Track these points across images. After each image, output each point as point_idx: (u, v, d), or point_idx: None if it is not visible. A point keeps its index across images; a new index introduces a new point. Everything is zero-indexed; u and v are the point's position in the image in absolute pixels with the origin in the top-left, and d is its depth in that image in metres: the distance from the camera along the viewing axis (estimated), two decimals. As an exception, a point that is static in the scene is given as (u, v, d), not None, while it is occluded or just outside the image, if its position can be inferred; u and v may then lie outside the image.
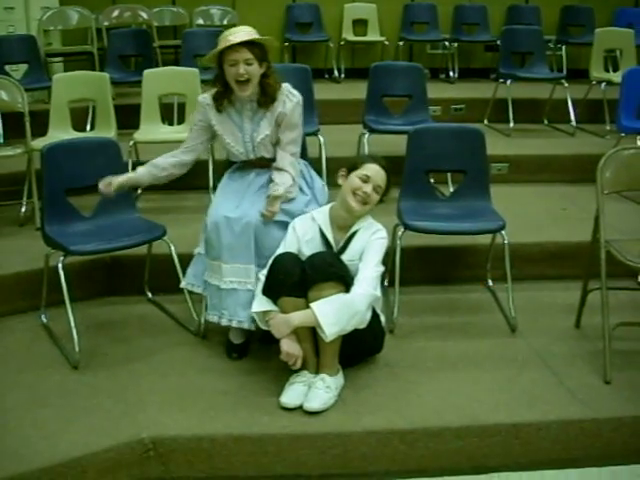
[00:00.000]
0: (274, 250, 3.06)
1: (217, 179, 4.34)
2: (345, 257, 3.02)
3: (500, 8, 7.87)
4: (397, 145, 4.56)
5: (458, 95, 6.53)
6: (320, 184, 3.46)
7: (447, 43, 7.63)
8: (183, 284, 3.39)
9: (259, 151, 3.32)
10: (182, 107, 4.99)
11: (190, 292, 3.41)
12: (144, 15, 7.17)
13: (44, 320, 3.54)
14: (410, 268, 3.65)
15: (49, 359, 3.24)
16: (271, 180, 3.28)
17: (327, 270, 2.86)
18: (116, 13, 7.12)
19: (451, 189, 4.49)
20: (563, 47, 7.51)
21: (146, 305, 3.76)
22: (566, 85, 5.95)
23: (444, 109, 6.15)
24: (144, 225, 3.46)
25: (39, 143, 4.20)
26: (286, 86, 3.31)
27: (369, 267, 2.97)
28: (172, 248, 3.42)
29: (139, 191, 4.70)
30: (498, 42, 7.00)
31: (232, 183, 3.38)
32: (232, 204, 3.21)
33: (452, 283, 3.97)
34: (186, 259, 3.44)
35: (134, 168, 4.49)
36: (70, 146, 3.56)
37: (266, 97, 3.26)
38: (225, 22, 7.59)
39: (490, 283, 3.92)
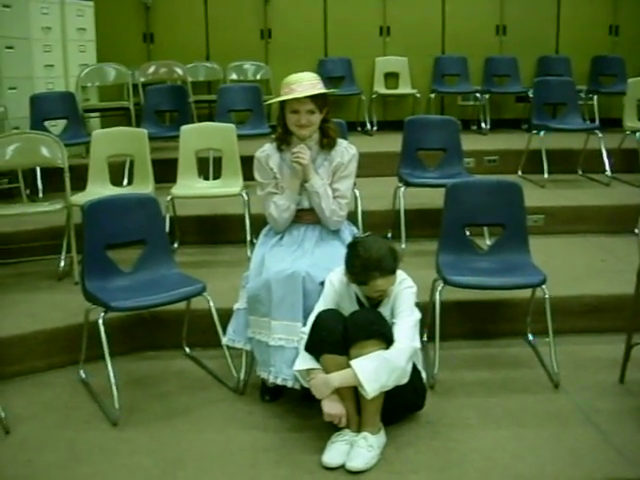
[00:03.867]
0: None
1: (253, 233, 4.39)
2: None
3: (530, 59, 7.94)
4: (432, 198, 4.58)
5: (491, 147, 6.52)
6: None
7: (478, 95, 7.69)
8: (224, 340, 3.37)
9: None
10: (218, 162, 5.05)
11: (229, 347, 3.39)
12: (179, 71, 7.30)
13: (83, 375, 3.54)
14: (448, 322, 3.60)
15: (88, 415, 3.23)
16: (323, 236, 3.34)
17: (369, 328, 2.85)
18: (152, 69, 7.27)
19: (487, 241, 4.47)
20: (595, 97, 7.51)
21: (184, 360, 3.75)
22: (600, 135, 5.92)
23: (477, 161, 6.16)
24: (184, 281, 3.45)
25: (78, 198, 4.27)
26: (344, 141, 3.44)
27: (404, 319, 2.95)
28: (211, 304, 3.40)
29: (175, 245, 4.75)
30: (529, 93, 7.04)
31: (281, 242, 3.39)
32: (285, 264, 3.20)
33: (491, 337, 3.91)
34: (224, 313, 3.43)
35: (172, 223, 4.58)
36: (111, 203, 3.59)
37: (329, 138, 3.34)
38: (258, 77, 7.75)
39: (530, 337, 3.86)
